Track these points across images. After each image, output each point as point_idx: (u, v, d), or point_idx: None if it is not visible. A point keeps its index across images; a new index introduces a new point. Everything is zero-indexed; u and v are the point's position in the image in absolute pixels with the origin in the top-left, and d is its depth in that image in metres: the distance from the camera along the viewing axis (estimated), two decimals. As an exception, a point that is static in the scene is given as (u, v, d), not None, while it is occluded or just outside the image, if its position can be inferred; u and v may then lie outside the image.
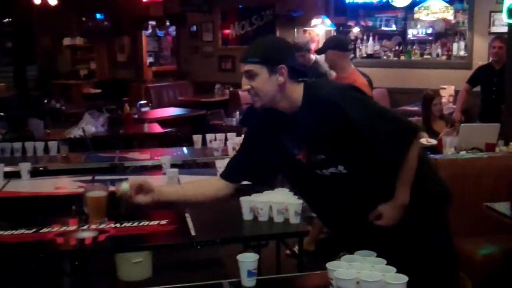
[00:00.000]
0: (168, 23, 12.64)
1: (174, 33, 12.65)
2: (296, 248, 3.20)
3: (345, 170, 2.20)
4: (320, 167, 2.24)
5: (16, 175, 4.24)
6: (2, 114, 7.59)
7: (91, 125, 5.98)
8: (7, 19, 12.56)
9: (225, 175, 2.53)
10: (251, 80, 2.19)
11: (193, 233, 2.92)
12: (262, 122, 2.36)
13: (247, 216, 3.02)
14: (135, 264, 3.92)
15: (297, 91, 2.23)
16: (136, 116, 7.45)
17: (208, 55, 10.96)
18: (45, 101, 8.84)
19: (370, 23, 9.19)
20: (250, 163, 2.44)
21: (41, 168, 4.55)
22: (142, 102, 8.63)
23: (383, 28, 9.11)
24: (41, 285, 3.57)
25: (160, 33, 13.31)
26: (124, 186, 2.46)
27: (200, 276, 2.57)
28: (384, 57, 8.93)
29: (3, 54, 12.34)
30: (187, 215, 3.16)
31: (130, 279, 3.96)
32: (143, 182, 2.48)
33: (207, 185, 2.59)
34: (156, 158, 4.86)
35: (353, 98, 2.23)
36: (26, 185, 4.05)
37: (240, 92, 8.28)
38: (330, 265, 1.98)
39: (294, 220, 2.96)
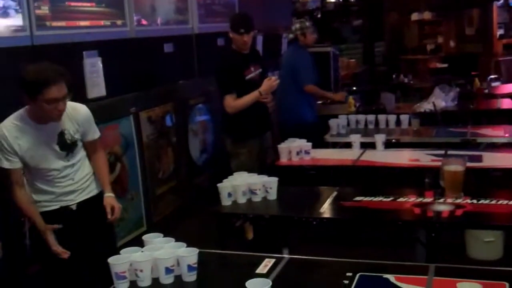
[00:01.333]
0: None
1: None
2: None
3: None
4: None
5: (370, 145, 4.49)
6: (355, 88, 8.09)
7: (441, 100, 5.96)
8: (354, -1, 13.24)
9: None
10: None
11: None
12: None
13: None
14: (486, 243, 3.82)
15: None
16: (486, 91, 7.18)
17: None
18: (393, 76, 9.09)
19: None
20: None
21: (393, 140, 4.73)
22: (492, 76, 8.24)
23: None
24: (394, 251, 3.75)
25: (512, 3, 12.44)
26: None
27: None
28: None
29: (353, 32, 13.06)
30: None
31: (479, 257, 3.88)
32: None
33: None
34: (508, 135, 4.65)
35: None
36: (381, 156, 4.24)
37: None
38: None
39: None
